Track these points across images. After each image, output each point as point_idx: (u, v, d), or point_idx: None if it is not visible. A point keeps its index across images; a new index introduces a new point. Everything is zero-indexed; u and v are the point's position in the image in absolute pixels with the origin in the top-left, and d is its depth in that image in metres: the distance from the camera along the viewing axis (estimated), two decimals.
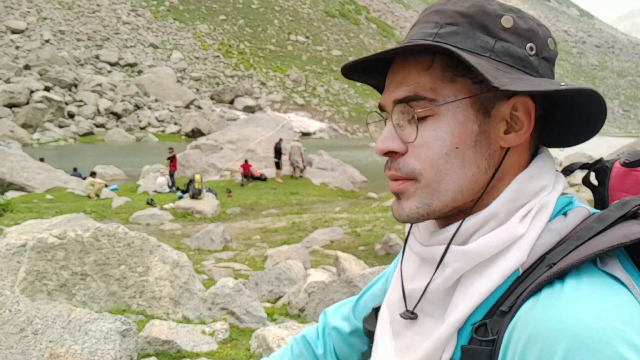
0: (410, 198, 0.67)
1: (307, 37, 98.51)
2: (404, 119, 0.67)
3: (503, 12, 0.66)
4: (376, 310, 0.84)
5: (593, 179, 0.80)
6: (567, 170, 0.74)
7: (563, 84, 0.62)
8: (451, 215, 0.68)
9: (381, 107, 0.71)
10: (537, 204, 0.65)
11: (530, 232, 0.63)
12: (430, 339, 0.65)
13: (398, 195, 0.68)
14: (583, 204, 0.68)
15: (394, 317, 0.74)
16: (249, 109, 65.58)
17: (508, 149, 0.67)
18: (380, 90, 0.77)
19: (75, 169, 21.98)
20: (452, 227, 0.67)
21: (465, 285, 0.64)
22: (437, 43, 0.63)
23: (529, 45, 0.66)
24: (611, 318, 0.50)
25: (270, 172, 21.48)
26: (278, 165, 21.17)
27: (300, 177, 21.77)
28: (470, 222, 0.65)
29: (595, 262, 0.57)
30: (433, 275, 0.67)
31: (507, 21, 0.66)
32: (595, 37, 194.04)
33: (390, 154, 0.68)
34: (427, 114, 0.65)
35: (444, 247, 0.66)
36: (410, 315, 0.69)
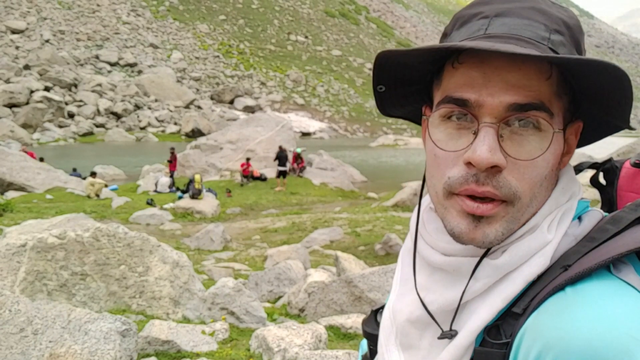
0: (497, 222, 0.59)
1: (307, 37, 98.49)
2: (517, 125, 0.59)
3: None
4: (375, 312, 0.83)
5: (601, 178, 0.80)
6: (576, 170, 0.74)
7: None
8: None
9: (464, 102, 0.60)
10: (562, 209, 0.64)
11: (555, 238, 0.61)
12: (449, 347, 0.62)
13: (479, 217, 0.59)
14: (596, 207, 0.68)
15: (404, 329, 0.70)
16: (249, 109, 65.61)
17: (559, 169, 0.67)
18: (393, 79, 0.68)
19: (74, 169, 21.98)
20: None
21: (484, 290, 0.62)
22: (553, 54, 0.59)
23: None
24: (626, 326, 0.48)
25: (270, 172, 21.48)
26: (284, 174, 20.14)
27: (300, 177, 21.78)
28: (509, 237, 0.62)
29: (609, 266, 0.56)
30: (465, 289, 0.62)
31: (584, 41, 0.65)
32: (595, 37, 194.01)
33: (490, 168, 0.58)
34: (547, 127, 0.59)
35: (472, 260, 0.62)
36: (451, 332, 0.63)
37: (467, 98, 0.59)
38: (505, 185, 0.58)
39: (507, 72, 0.58)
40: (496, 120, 0.58)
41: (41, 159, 21.74)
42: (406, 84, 0.71)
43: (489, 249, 0.62)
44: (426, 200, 0.74)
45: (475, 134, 0.59)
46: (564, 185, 0.66)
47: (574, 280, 0.55)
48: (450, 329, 0.63)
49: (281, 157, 20.12)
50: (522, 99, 0.57)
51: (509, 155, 0.58)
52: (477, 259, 0.62)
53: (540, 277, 0.59)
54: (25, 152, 22.60)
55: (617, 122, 0.64)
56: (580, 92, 0.63)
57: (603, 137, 0.71)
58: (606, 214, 0.65)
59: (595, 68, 0.55)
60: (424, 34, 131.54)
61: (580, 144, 0.73)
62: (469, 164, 0.58)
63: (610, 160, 0.79)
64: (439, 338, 0.64)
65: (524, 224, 0.62)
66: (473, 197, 0.59)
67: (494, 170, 0.58)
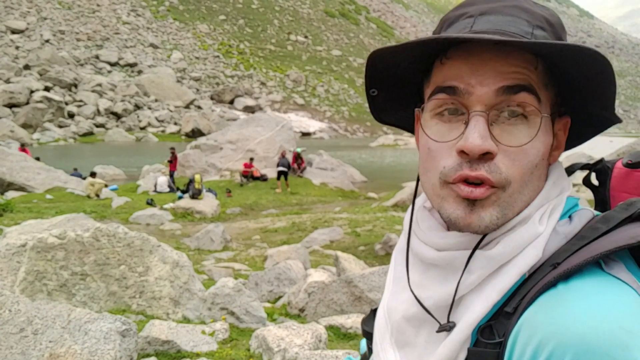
0: (490, 207, 0.60)
1: (307, 37, 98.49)
2: (505, 116, 0.61)
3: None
4: (374, 311, 0.83)
5: (594, 179, 0.80)
6: (568, 171, 0.74)
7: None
8: None
9: (454, 90, 0.61)
10: (552, 203, 0.65)
11: (546, 230, 0.62)
12: (445, 343, 0.62)
13: (473, 201, 0.61)
14: (587, 207, 0.68)
15: (399, 327, 0.70)
16: (249, 109, 65.64)
17: (549, 164, 0.68)
18: (388, 79, 0.70)
19: (75, 169, 21.99)
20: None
21: (479, 284, 0.62)
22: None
23: None
24: (618, 319, 0.49)
25: (270, 172, 21.47)
26: (285, 175, 20.00)
27: (300, 177, 21.77)
28: (501, 228, 0.63)
29: (600, 263, 0.56)
30: (459, 282, 0.63)
31: (566, 38, 0.66)
32: (595, 37, 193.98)
33: (483, 155, 0.60)
34: (535, 114, 0.60)
35: (465, 253, 0.63)
36: (449, 325, 0.63)
37: (456, 85, 0.61)
38: (497, 171, 0.59)
39: (494, 62, 0.60)
40: (486, 109, 0.60)
41: (37, 159, 21.71)
42: (398, 86, 0.72)
43: (480, 241, 0.63)
44: (420, 200, 0.75)
45: (466, 123, 0.60)
46: (555, 180, 0.67)
47: (566, 277, 0.55)
48: (449, 321, 0.63)
49: (282, 161, 20.24)
50: (510, 82, 0.59)
51: (500, 142, 0.60)
52: (470, 251, 0.63)
53: (530, 276, 0.60)
54: (23, 150, 22.65)
55: (604, 112, 0.65)
56: (566, 83, 0.64)
57: (595, 132, 0.71)
58: (598, 213, 0.66)
59: (577, 52, 0.56)
60: (424, 34, 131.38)
61: (575, 142, 0.74)
62: (461, 152, 0.60)
63: (601, 160, 0.79)
64: (437, 331, 0.64)
65: (518, 214, 0.62)
66: (467, 183, 0.61)
67: (487, 157, 0.59)
